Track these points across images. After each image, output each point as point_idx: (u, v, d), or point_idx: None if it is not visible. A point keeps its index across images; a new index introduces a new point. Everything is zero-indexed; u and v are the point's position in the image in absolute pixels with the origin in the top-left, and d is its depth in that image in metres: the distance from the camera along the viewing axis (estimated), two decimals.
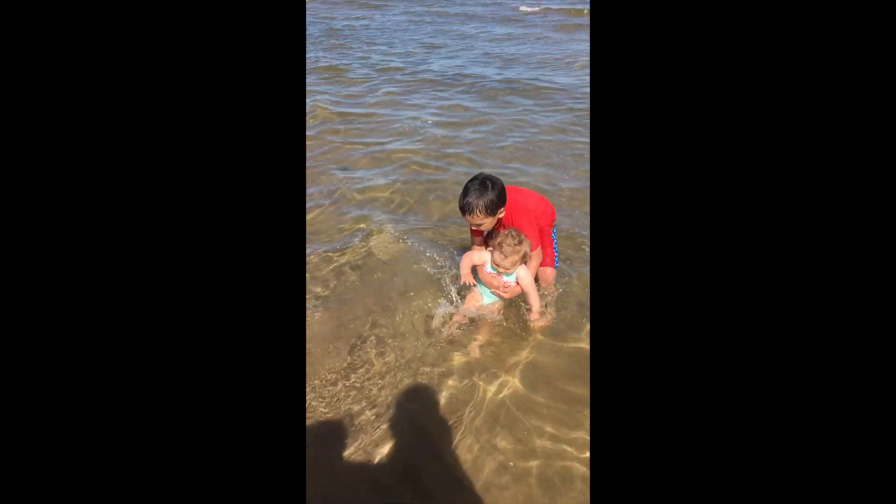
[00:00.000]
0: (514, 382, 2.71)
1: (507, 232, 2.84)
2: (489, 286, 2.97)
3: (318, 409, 2.54)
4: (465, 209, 2.79)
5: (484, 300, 3.06)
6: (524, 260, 2.88)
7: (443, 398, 2.63)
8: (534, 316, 2.95)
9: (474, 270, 3.02)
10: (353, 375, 2.74)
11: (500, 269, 2.86)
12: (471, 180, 2.82)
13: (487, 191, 2.77)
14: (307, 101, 7.47)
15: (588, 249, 3.73)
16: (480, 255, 2.97)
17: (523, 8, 16.59)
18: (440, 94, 8.27)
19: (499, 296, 2.98)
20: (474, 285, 2.97)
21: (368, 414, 2.53)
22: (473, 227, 2.94)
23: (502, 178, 2.91)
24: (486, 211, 2.78)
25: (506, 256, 2.79)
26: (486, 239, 3.08)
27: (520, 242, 2.80)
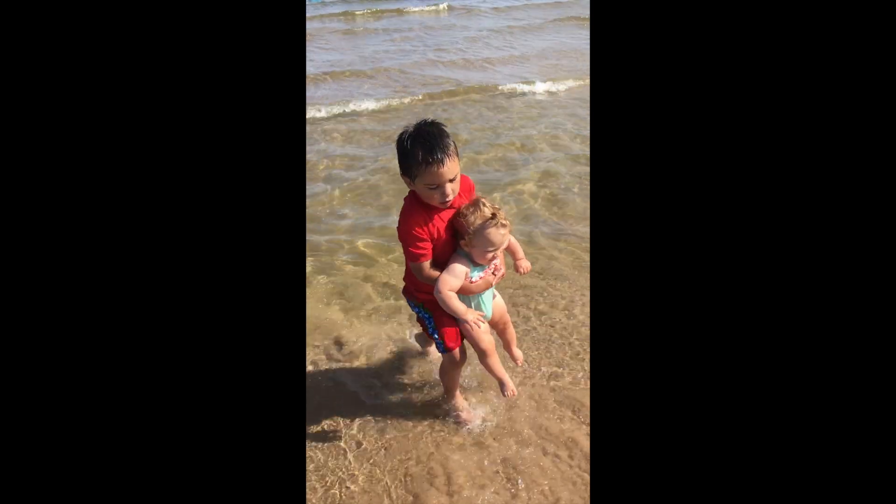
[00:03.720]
0: None
1: (478, 203, 2.12)
2: (484, 289, 2.28)
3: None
4: (436, 156, 1.96)
5: (486, 309, 2.38)
6: None
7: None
8: (526, 264, 2.39)
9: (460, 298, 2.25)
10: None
11: (492, 256, 2.16)
12: (415, 133, 2.04)
13: (444, 132, 2.05)
14: None
15: None
16: (456, 273, 2.16)
17: None
18: None
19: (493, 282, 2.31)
20: (482, 318, 2.25)
21: None
22: (441, 200, 2.07)
23: None
24: (457, 153, 2.06)
25: (505, 226, 2.12)
26: (441, 248, 2.20)
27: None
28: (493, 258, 2.18)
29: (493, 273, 2.27)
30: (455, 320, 2.32)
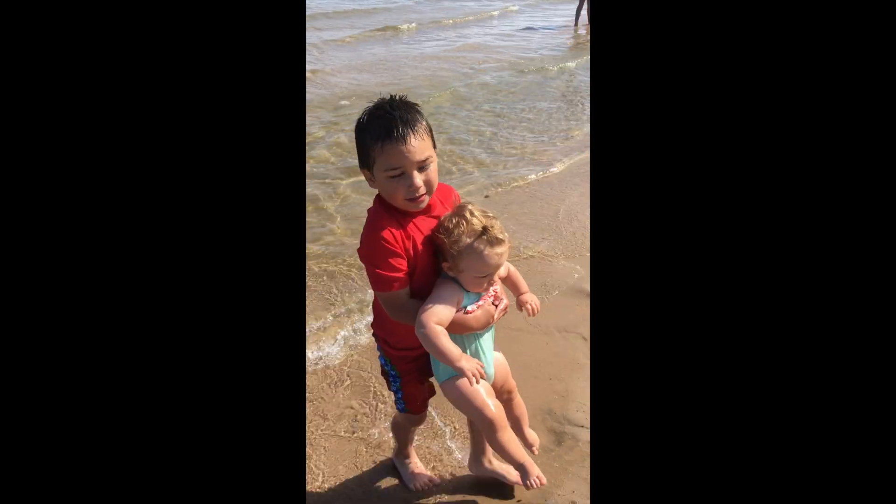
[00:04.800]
0: None
1: (464, 211, 1.60)
2: (485, 325, 1.68)
3: None
4: (399, 130, 1.47)
5: (488, 364, 1.73)
6: None
7: None
8: (533, 299, 1.80)
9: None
10: None
11: (487, 284, 1.64)
12: (373, 108, 1.55)
13: (412, 107, 1.56)
14: None
15: None
16: (445, 300, 1.58)
17: None
18: None
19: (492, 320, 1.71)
20: (482, 370, 1.59)
21: None
22: (408, 194, 1.53)
23: None
24: (429, 133, 1.56)
25: (501, 242, 1.58)
26: (421, 273, 1.63)
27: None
28: (490, 285, 1.64)
29: (493, 303, 1.67)
30: (429, 387, 1.82)
